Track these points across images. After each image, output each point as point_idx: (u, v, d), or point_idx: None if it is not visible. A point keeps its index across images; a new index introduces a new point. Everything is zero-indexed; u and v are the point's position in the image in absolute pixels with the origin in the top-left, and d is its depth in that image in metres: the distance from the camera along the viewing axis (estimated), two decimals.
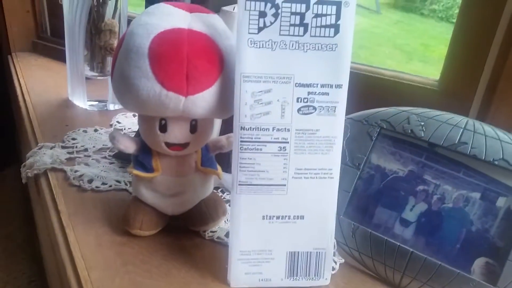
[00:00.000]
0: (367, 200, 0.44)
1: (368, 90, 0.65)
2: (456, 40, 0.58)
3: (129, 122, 0.65)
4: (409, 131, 0.43)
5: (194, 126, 0.38)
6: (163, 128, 0.37)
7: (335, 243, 0.44)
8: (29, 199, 0.89)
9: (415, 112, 0.44)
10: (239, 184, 0.36)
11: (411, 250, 0.41)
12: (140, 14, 0.36)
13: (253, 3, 0.33)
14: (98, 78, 0.69)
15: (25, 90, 0.75)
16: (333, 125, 0.37)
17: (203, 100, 0.35)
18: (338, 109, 0.36)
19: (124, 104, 0.37)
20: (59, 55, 0.89)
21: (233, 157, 0.36)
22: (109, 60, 0.68)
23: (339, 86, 0.36)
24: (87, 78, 0.68)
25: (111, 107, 0.71)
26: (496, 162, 0.40)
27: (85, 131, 0.61)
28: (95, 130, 0.62)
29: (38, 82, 0.80)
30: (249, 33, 0.34)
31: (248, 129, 0.35)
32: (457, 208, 0.41)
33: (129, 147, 0.40)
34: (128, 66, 0.34)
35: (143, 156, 0.40)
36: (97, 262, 0.38)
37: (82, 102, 0.69)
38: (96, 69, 0.68)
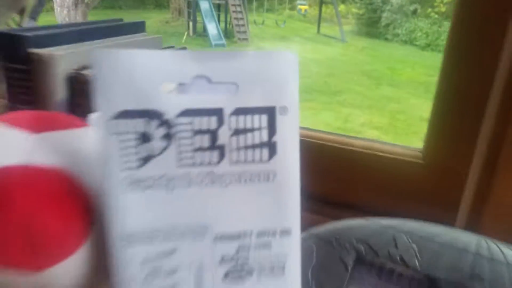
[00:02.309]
0: None
1: (334, 166, 0.53)
2: (441, 100, 0.47)
3: None
4: (398, 259, 0.30)
5: None
6: None
7: None
8: None
9: (404, 229, 0.31)
10: None
11: None
12: None
13: (124, 122, 0.20)
14: None
15: None
16: None
17: (66, 272, 0.21)
18: (288, 266, 0.23)
19: None
20: None
21: None
22: None
23: (286, 233, 0.22)
24: None
25: None
26: None
27: None
28: None
29: None
30: (125, 169, 0.20)
31: None
32: None
33: None
34: None
35: None
36: None
37: None
38: None
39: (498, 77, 0.42)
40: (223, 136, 0.21)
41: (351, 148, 0.52)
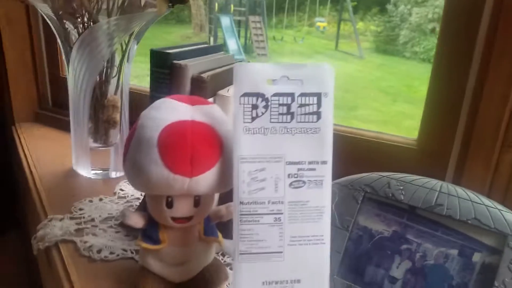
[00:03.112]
0: (357, 260, 0.48)
1: (350, 150, 0.71)
2: (431, 100, 0.64)
3: (131, 189, 0.69)
4: (391, 195, 0.48)
5: (198, 201, 0.42)
6: (170, 205, 0.41)
7: None
8: (31, 262, 0.91)
9: (395, 177, 0.49)
10: (240, 253, 0.40)
11: None
12: (149, 108, 0.41)
13: (246, 98, 0.39)
14: (103, 148, 0.74)
15: (31, 162, 0.79)
16: (321, 196, 0.41)
17: (205, 180, 0.40)
18: (324, 182, 0.41)
19: (135, 186, 0.42)
20: (60, 125, 0.95)
21: (234, 228, 0.40)
22: (112, 132, 0.73)
23: (324, 163, 0.41)
24: (91, 149, 0.73)
25: (113, 174, 0.75)
26: (469, 221, 0.44)
27: (91, 201, 0.65)
28: (100, 199, 0.66)
29: (42, 152, 0.84)
30: (244, 122, 0.39)
31: (247, 204, 0.40)
32: (438, 265, 0.45)
33: (138, 223, 0.44)
34: (139, 155, 0.39)
35: (150, 229, 0.44)
36: None
37: (86, 171, 0.74)
38: (100, 141, 0.73)
39: (468, 86, 0.60)
40: (294, 107, 0.40)
41: (359, 137, 0.70)
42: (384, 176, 0.50)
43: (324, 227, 0.42)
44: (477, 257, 0.44)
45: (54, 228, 0.56)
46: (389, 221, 0.48)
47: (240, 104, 0.39)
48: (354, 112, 3.92)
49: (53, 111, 1.02)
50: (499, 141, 0.58)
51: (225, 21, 5.93)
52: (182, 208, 0.42)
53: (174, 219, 0.42)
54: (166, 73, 0.48)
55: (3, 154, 1.07)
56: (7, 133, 1.03)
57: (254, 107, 0.39)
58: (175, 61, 0.48)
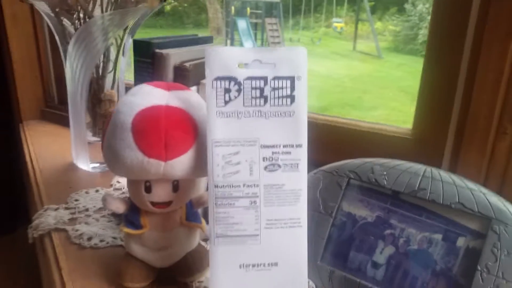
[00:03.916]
0: (341, 245, 0.48)
1: (345, 141, 0.71)
2: (424, 91, 0.63)
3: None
4: (374, 180, 0.48)
5: (176, 185, 0.43)
6: (148, 189, 0.42)
7: (315, 287, 0.48)
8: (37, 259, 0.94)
9: (378, 162, 0.49)
10: (216, 236, 0.41)
11: None
12: (126, 94, 0.42)
13: (219, 82, 0.39)
14: (100, 142, 0.75)
15: (34, 157, 0.81)
16: (297, 179, 0.41)
17: (180, 164, 0.40)
18: (300, 165, 0.41)
19: (113, 171, 0.42)
20: (66, 122, 0.96)
21: (210, 212, 0.41)
22: None
23: (299, 146, 0.41)
24: (90, 143, 0.74)
25: None
26: (453, 206, 0.44)
27: (87, 192, 0.66)
28: (96, 191, 0.67)
29: (45, 148, 0.86)
30: (217, 106, 0.39)
31: (221, 187, 0.40)
32: (421, 250, 0.45)
33: (120, 208, 0.45)
34: (114, 139, 0.40)
35: (132, 214, 0.45)
36: None
37: (85, 165, 0.75)
38: (98, 134, 0.75)
39: (461, 73, 0.59)
40: (267, 90, 0.40)
41: (357, 128, 0.70)
42: (368, 162, 0.50)
43: (300, 210, 0.42)
44: (461, 242, 0.43)
45: (48, 217, 0.58)
46: (373, 207, 0.48)
47: (212, 88, 0.39)
48: (373, 112, 3.87)
49: (58, 109, 1.04)
50: (493, 128, 0.56)
51: (242, 24, 5.95)
52: (161, 193, 0.42)
53: (153, 204, 0.43)
54: (148, 62, 0.49)
55: (12, 153, 1.10)
56: (16, 132, 1.06)
57: (227, 91, 0.39)
58: (157, 50, 0.49)
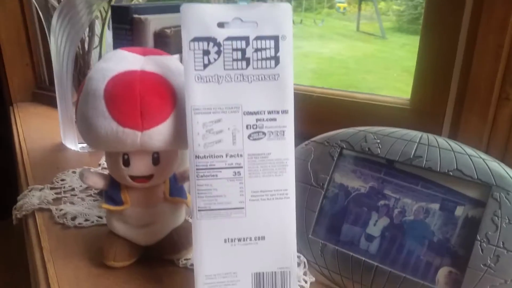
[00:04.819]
0: (333, 218, 0.46)
1: (342, 113, 0.68)
2: (422, 58, 0.61)
3: None
4: (367, 149, 0.45)
5: (157, 158, 0.41)
6: (126, 163, 0.40)
7: (306, 262, 0.46)
8: None
9: (371, 130, 0.46)
10: (199, 210, 0.39)
11: (376, 264, 0.42)
12: (99, 61, 0.40)
13: (196, 43, 0.36)
14: None
15: (22, 138, 0.79)
16: (284, 148, 0.39)
17: (159, 134, 0.38)
18: (286, 132, 0.39)
19: (87, 142, 0.40)
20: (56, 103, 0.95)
21: (191, 184, 0.38)
22: None
23: (285, 112, 0.38)
24: None
25: None
26: (451, 173, 0.41)
27: (74, 172, 0.64)
28: None
29: (35, 129, 0.84)
30: (195, 70, 0.37)
31: (203, 157, 0.38)
32: (418, 220, 0.42)
33: (98, 183, 0.42)
34: (87, 108, 0.37)
35: (112, 190, 0.42)
36: None
37: (73, 144, 0.73)
38: None
39: (460, 38, 0.56)
40: (249, 52, 0.37)
41: (352, 100, 0.67)
42: (361, 131, 0.47)
43: (288, 181, 0.39)
44: (460, 211, 0.41)
45: (32, 198, 0.56)
46: (366, 177, 0.45)
47: (190, 50, 0.36)
48: (377, 93, 3.84)
49: (49, 90, 1.02)
50: (495, 94, 0.54)
51: None
52: (140, 166, 0.40)
53: (133, 178, 0.41)
54: (127, 29, 0.46)
55: (5, 138, 1.08)
56: (6, 114, 1.04)
57: (206, 53, 0.37)
58: (136, 16, 0.46)
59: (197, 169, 0.38)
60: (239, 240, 0.39)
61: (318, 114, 0.69)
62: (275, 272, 0.40)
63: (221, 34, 0.37)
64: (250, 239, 0.40)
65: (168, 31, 0.46)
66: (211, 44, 0.37)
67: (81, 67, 0.70)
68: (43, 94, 1.02)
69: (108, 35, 0.69)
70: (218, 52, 0.37)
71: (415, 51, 0.62)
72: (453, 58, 0.57)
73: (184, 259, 0.46)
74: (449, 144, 0.43)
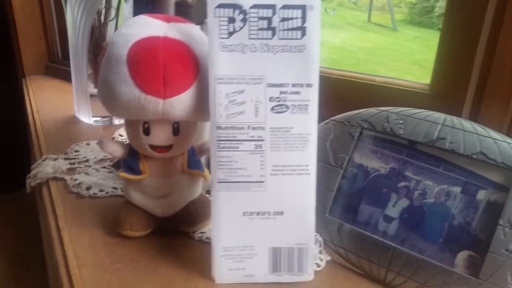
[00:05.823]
0: (351, 198, 0.45)
1: (360, 96, 0.67)
2: (444, 43, 0.59)
3: None
4: (389, 130, 0.45)
5: (177, 128, 0.40)
6: (147, 131, 0.39)
7: (322, 241, 0.45)
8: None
9: (394, 111, 0.45)
10: (218, 182, 0.38)
11: (394, 245, 0.41)
12: (122, 26, 0.39)
13: (222, 10, 0.35)
14: None
15: (35, 110, 0.79)
16: (306, 123, 0.38)
17: (181, 103, 0.37)
18: (310, 107, 0.38)
19: (108, 109, 0.40)
20: (69, 77, 0.94)
21: (211, 155, 0.38)
22: None
23: (309, 85, 0.37)
24: (92, 95, 0.72)
25: (116, 121, 0.74)
26: (474, 156, 0.40)
27: (88, 144, 0.64)
28: None
29: (48, 102, 0.84)
30: (220, 38, 0.36)
31: (224, 128, 0.37)
32: (438, 203, 0.42)
33: (117, 151, 0.42)
34: (109, 73, 0.37)
35: (130, 159, 0.42)
36: (88, 260, 0.40)
37: (87, 118, 0.73)
38: None
39: (484, 27, 0.54)
40: (275, 21, 0.36)
41: (370, 83, 0.66)
42: (383, 111, 0.46)
43: (309, 156, 0.39)
44: (482, 195, 0.40)
45: (46, 167, 0.56)
46: (387, 158, 0.45)
47: (214, 16, 0.36)
48: None
49: (62, 64, 1.01)
50: None
51: None
52: (160, 135, 0.40)
53: (152, 147, 0.40)
54: None
55: (18, 110, 1.08)
56: (19, 86, 1.04)
57: (231, 20, 0.36)
58: None
59: (218, 140, 0.37)
60: (258, 214, 0.39)
61: (336, 95, 0.68)
62: (293, 248, 0.40)
63: (247, 1, 0.36)
64: (269, 213, 0.39)
65: (189, 0, 0.45)
66: (236, 11, 0.36)
67: (96, 39, 0.69)
68: (56, 68, 1.02)
69: (125, 7, 0.69)
70: (244, 20, 0.36)
71: (427, 44, 0.61)
72: (476, 43, 0.56)
73: (200, 232, 0.45)
74: (473, 127, 0.42)
